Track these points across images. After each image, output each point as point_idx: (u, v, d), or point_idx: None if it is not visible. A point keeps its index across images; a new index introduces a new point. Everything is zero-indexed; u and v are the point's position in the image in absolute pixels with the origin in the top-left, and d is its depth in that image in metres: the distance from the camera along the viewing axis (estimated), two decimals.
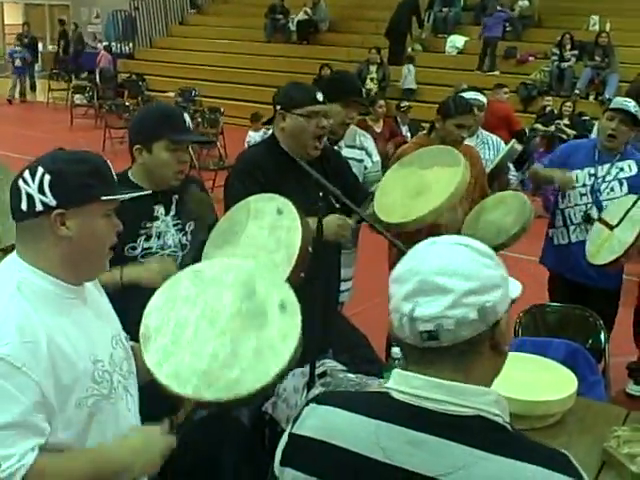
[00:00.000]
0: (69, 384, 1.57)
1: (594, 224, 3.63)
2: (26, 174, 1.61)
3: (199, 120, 11.06)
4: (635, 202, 3.45)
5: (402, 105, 10.27)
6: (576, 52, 12.57)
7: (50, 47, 21.91)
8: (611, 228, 3.50)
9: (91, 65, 17.39)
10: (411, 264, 1.20)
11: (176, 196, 2.56)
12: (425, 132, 3.86)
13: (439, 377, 1.17)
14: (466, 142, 3.69)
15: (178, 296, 1.90)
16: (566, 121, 10.17)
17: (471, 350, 1.18)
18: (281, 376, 1.76)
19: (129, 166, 2.54)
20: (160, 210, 2.52)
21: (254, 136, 8.95)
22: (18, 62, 17.13)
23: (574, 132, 9.77)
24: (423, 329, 1.16)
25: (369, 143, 3.65)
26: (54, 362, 1.54)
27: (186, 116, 2.52)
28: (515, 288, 1.31)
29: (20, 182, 1.61)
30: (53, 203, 1.59)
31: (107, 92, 15.67)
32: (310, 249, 2.30)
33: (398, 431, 1.17)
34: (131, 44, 18.94)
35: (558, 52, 12.63)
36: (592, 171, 3.77)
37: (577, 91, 12.12)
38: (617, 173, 3.74)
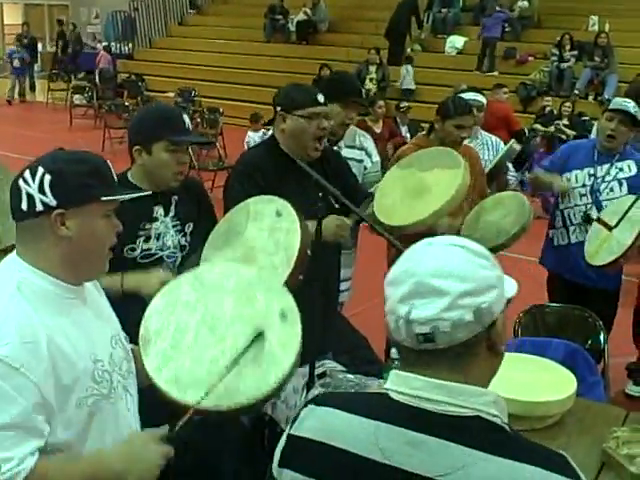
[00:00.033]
0: (69, 384, 1.57)
1: (593, 224, 3.62)
2: (26, 174, 1.61)
3: (198, 120, 11.04)
4: (634, 202, 3.44)
5: (402, 105, 10.28)
6: (575, 52, 12.59)
7: (49, 47, 21.88)
8: (610, 229, 3.48)
9: (90, 65, 17.37)
10: (407, 266, 1.20)
11: (175, 197, 2.56)
12: (424, 133, 3.85)
13: (438, 378, 1.17)
14: (465, 143, 3.68)
15: (178, 301, 1.89)
16: (565, 121, 10.16)
17: (467, 352, 1.18)
18: (281, 385, 1.76)
19: (129, 167, 2.54)
20: (159, 211, 2.53)
21: (253, 136, 8.95)
22: (17, 62, 17.11)
23: (574, 132, 9.77)
24: (419, 332, 1.16)
25: (369, 143, 3.64)
26: (54, 362, 1.54)
27: (185, 117, 2.52)
28: (511, 287, 1.31)
29: (20, 182, 1.61)
30: (53, 203, 1.59)
31: (106, 92, 15.67)
32: (309, 252, 2.29)
33: (397, 432, 1.17)
34: (130, 44, 18.96)
35: (557, 52, 12.64)
36: (591, 171, 3.77)
37: (576, 91, 12.13)
38: (617, 173, 3.74)
